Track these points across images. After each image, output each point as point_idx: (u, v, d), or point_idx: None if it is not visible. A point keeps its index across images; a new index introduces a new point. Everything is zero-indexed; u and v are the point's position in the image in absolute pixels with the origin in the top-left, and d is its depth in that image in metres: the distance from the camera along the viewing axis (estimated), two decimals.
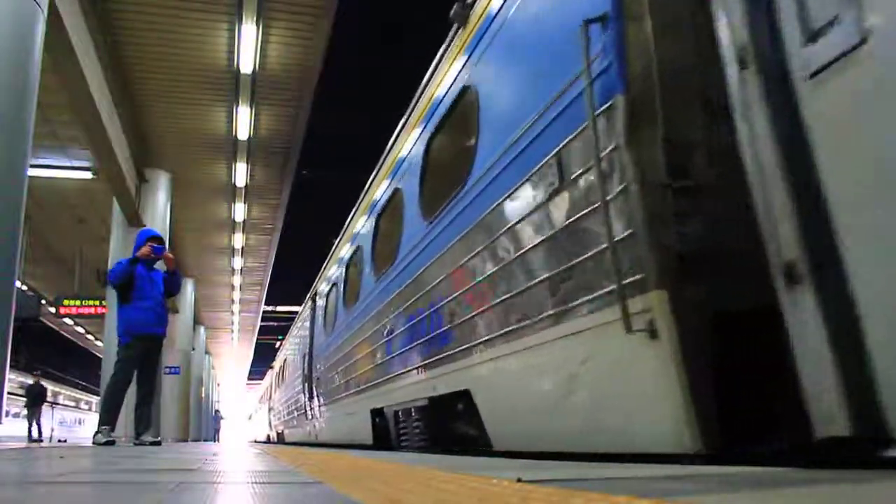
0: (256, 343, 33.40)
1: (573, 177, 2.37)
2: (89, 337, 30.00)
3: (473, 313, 3.22)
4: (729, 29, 1.68)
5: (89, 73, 8.12)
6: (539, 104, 2.65)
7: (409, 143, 4.77)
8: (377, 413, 5.40)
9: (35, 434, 16.21)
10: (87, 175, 12.48)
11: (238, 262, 18.32)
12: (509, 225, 2.86)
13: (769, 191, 1.56)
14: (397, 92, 7.12)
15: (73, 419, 40.78)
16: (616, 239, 2.05)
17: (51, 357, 39.03)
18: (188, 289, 19.11)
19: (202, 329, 25.53)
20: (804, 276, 1.47)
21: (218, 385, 44.30)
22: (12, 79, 5.47)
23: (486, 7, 3.35)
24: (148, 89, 10.19)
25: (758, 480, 1.18)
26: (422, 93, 4.53)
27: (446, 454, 3.74)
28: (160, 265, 6.15)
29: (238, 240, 16.58)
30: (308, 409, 9.67)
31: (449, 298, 3.55)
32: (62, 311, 15.64)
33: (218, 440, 30.18)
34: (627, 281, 2.00)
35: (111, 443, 5.41)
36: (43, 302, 18.47)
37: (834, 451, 1.48)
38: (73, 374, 44.54)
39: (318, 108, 11.56)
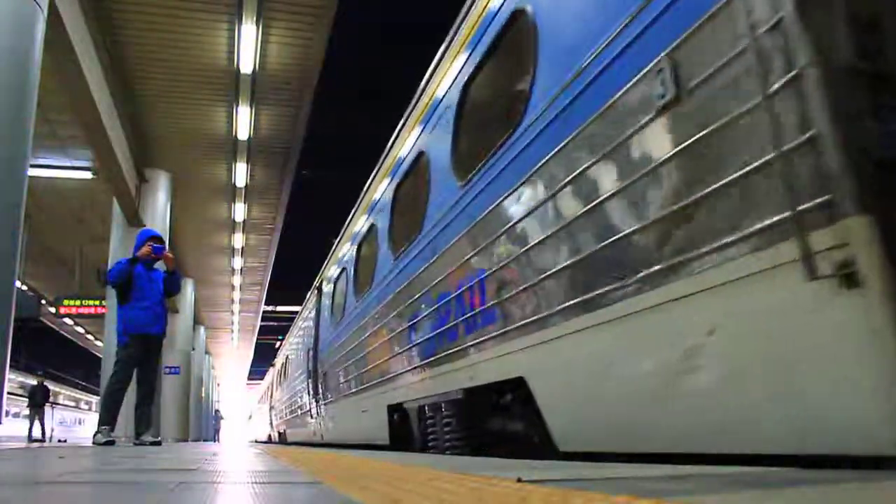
0: (256, 343, 33.43)
1: (701, 80, 1.77)
2: (89, 337, 30.02)
3: (534, 280, 2.61)
4: None
5: (89, 73, 8.12)
6: None
7: (442, 85, 4.02)
8: (395, 410, 4.85)
9: (38, 434, 16.23)
10: (87, 175, 12.49)
11: (238, 262, 18.32)
12: (592, 158, 2.23)
13: None
14: (397, 92, 7.10)
15: (73, 419, 40.80)
16: (788, 148, 1.49)
17: (51, 357, 39.07)
18: (188, 289, 19.12)
19: (202, 329, 25.55)
20: None
21: (218, 385, 44.32)
22: (12, 79, 5.48)
23: None
24: (148, 89, 10.20)
25: (758, 480, 1.18)
26: (462, 20, 3.81)
27: (446, 454, 3.69)
28: (160, 265, 6.15)
29: (238, 240, 16.59)
30: (313, 407, 9.05)
31: (497, 265, 2.95)
32: (62, 311, 15.67)
33: (218, 440, 30.19)
34: (807, 206, 1.45)
35: (111, 443, 5.41)
36: (43, 302, 18.48)
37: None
38: (72, 374, 44.58)
39: (318, 108, 11.59)
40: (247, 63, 9.41)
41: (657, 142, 1.93)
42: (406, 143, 4.75)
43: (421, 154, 4.35)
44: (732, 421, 1.69)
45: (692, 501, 0.87)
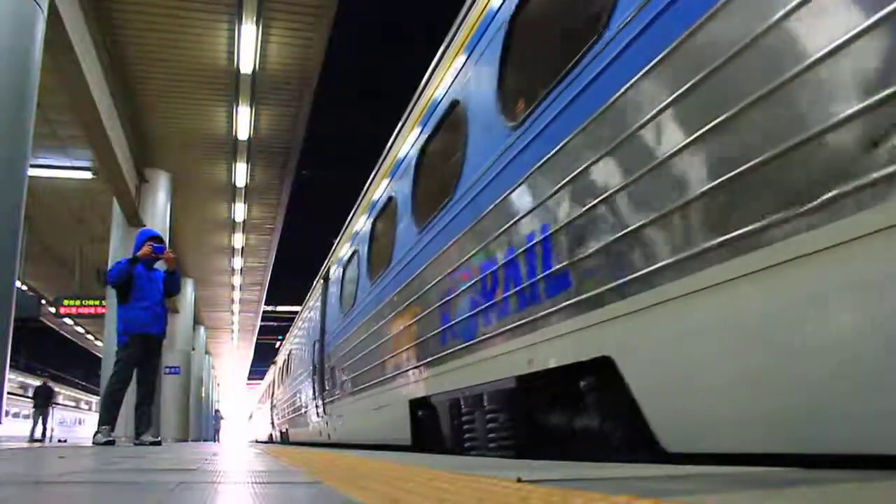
0: (256, 343, 33.46)
1: None
2: (89, 337, 30.03)
3: (634, 222, 2.02)
4: None
5: (89, 73, 8.12)
6: None
7: None
8: (419, 405, 4.24)
9: (38, 434, 16.27)
10: (87, 175, 12.50)
11: (238, 262, 18.33)
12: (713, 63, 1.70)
13: None
14: (397, 92, 7.08)
15: (73, 419, 40.80)
16: None
17: (51, 357, 39.10)
18: (188, 289, 19.12)
19: (202, 329, 25.55)
20: None
21: (218, 385, 44.33)
22: (12, 79, 5.48)
23: None
24: (148, 89, 10.20)
25: (758, 480, 1.18)
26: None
27: (446, 454, 3.65)
28: (160, 265, 6.15)
29: (238, 240, 16.59)
30: (318, 404, 8.42)
31: (576, 210, 2.34)
32: (62, 311, 15.67)
33: (218, 440, 30.19)
34: None
35: (111, 443, 5.41)
36: (43, 302, 18.49)
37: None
38: (72, 374, 44.60)
39: (318, 108, 11.59)
40: (247, 63, 9.41)
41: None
42: (442, 84, 4.02)
43: (455, 105, 3.72)
44: None
45: (692, 501, 0.87)
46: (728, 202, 1.65)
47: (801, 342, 1.47)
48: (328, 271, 8.23)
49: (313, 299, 9.61)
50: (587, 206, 2.27)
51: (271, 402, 17.88)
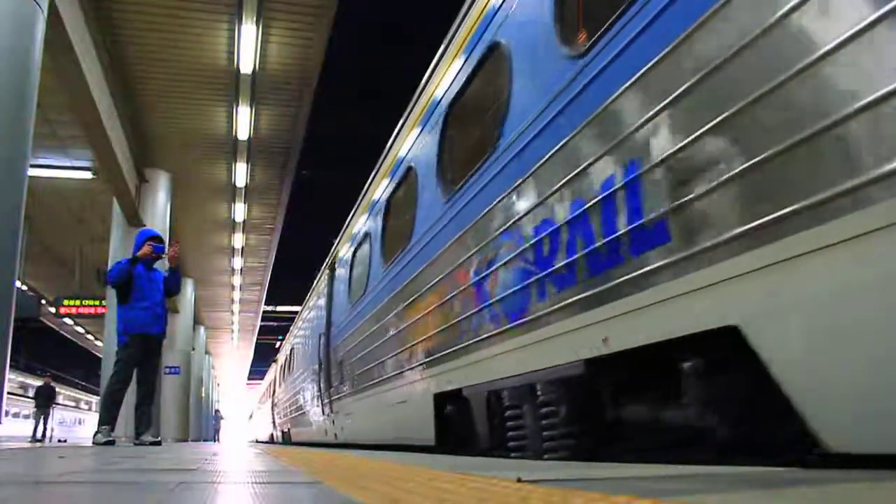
0: (256, 343, 33.45)
1: None
2: (89, 337, 30.03)
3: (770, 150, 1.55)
4: None
5: (89, 73, 8.12)
6: None
7: None
8: (446, 399, 3.76)
9: (39, 434, 16.28)
10: (87, 175, 12.49)
11: (238, 262, 18.32)
12: None
13: None
14: (397, 92, 7.06)
15: (73, 419, 40.81)
16: None
17: (51, 357, 39.11)
18: (188, 289, 19.12)
19: (202, 329, 25.55)
20: None
21: (218, 385, 44.33)
22: (12, 79, 5.48)
23: None
24: (148, 89, 10.19)
25: (758, 480, 1.18)
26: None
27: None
28: (160, 264, 6.15)
29: (238, 240, 16.59)
30: (324, 402, 7.91)
31: (669, 149, 1.89)
32: (62, 311, 15.68)
33: (218, 440, 30.19)
34: None
35: (111, 443, 5.41)
36: (43, 302, 18.49)
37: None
38: (72, 374, 44.61)
39: (318, 108, 11.59)
40: (247, 63, 9.41)
41: None
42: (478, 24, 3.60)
43: (496, 48, 3.26)
44: None
45: (692, 501, 0.87)
46: None
47: None
48: (334, 261, 7.74)
49: (318, 292, 9.15)
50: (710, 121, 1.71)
51: (272, 401, 17.52)
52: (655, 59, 1.98)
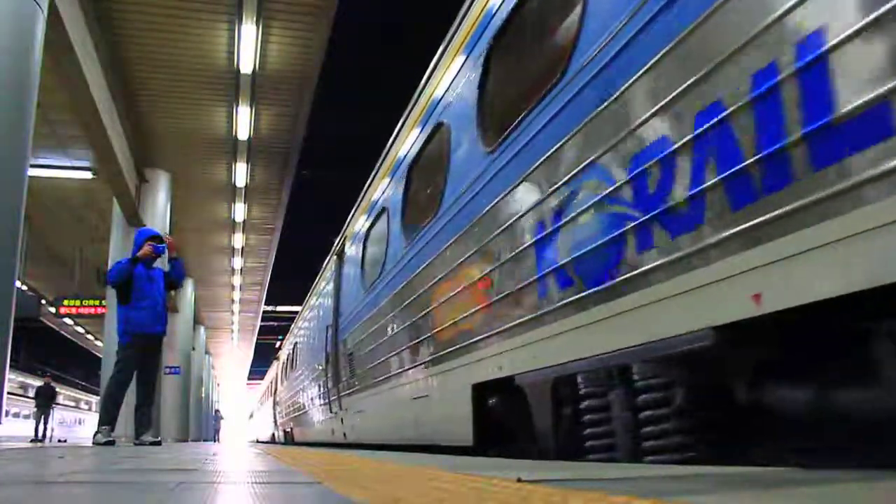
0: (256, 343, 33.46)
1: None
2: (89, 337, 30.04)
3: None
4: None
5: (89, 73, 8.12)
6: None
7: None
8: (489, 390, 3.18)
9: (40, 434, 16.29)
10: (87, 175, 12.50)
11: (238, 262, 18.33)
12: None
13: None
14: (397, 92, 7.03)
15: (73, 419, 40.83)
16: None
17: (51, 357, 39.13)
18: (188, 289, 19.13)
19: (202, 329, 25.56)
20: None
21: (218, 385, 44.34)
22: (12, 79, 5.48)
23: None
24: (148, 89, 10.20)
25: (758, 480, 1.18)
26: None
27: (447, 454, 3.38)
28: (159, 263, 6.15)
29: (238, 240, 16.60)
30: (331, 399, 7.31)
31: None
32: (62, 311, 15.69)
33: (218, 440, 30.20)
34: None
35: (111, 443, 5.42)
36: (43, 302, 18.49)
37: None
38: (72, 374, 44.63)
39: (318, 108, 11.58)
40: (247, 63, 9.41)
41: None
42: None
43: None
44: None
45: (692, 501, 0.87)
46: None
47: None
48: (343, 246, 7.14)
49: (324, 281, 8.58)
50: None
51: (274, 400, 16.97)
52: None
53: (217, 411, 39.38)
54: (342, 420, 6.84)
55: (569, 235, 2.42)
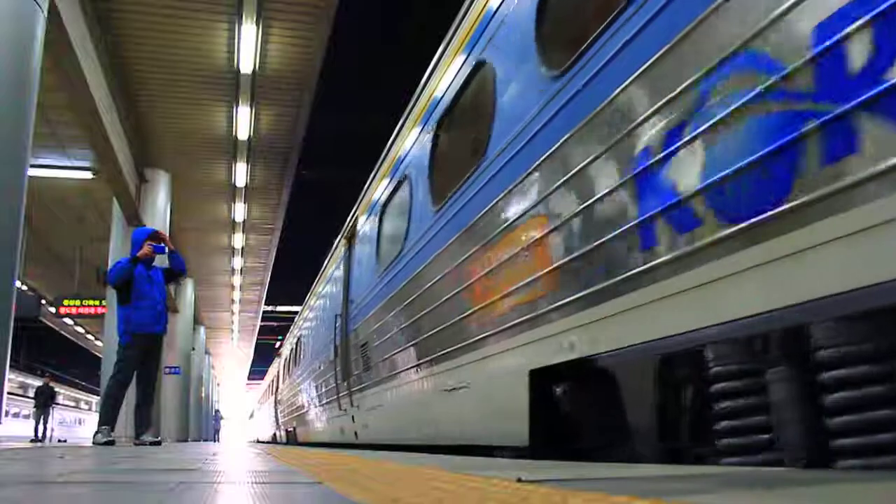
0: (256, 343, 33.46)
1: None
2: (89, 337, 30.04)
3: None
4: None
5: (89, 73, 8.12)
6: None
7: None
8: (551, 377, 2.57)
9: (40, 434, 16.31)
10: (87, 175, 12.50)
11: (238, 262, 18.33)
12: None
13: None
14: (397, 92, 7.00)
15: (73, 419, 40.84)
16: None
17: (51, 357, 39.14)
18: (188, 289, 19.14)
19: (202, 329, 25.56)
20: None
21: (218, 385, 44.35)
22: (12, 79, 5.48)
23: None
24: (148, 89, 10.20)
25: (758, 480, 1.18)
26: None
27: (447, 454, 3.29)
28: (159, 260, 6.15)
29: (238, 240, 16.60)
30: (340, 395, 6.74)
31: None
32: (62, 311, 15.68)
33: (218, 440, 30.20)
34: None
35: (111, 443, 5.41)
36: (43, 302, 18.49)
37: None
38: (72, 374, 44.64)
39: (318, 108, 11.58)
40: (247, 63, 9.41)
41: None
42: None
43: None
44: None
45: (692, 501, 0.87)
46: None
47: None
48: (353, 229, 6.59)
49: (331, 269, 8.07)
50: None
51: (275, 398, 16.35)
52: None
53: (217, 411, 39.40)
54: (353, 418, 6.25)
55: (706, 146, 1.73)
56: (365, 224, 6.10)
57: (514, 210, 2.87)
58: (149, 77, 9.88)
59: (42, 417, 16.70)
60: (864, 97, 1.33)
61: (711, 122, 1.72)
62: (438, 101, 4.06)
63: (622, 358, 2.15)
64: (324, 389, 8.03)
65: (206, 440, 27.29)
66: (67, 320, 24.17)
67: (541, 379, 2.60)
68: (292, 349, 12.64)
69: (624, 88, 2.11)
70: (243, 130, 11.24)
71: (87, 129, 9.31)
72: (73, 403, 43.95)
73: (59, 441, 17.66)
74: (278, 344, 23.88)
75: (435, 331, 3.78)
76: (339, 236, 7.43)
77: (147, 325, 5.75)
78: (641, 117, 2.01)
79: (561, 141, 2.47)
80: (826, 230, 1.40)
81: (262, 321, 28.72)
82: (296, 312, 15.43)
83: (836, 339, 1.54)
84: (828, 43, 1.40)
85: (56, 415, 22.78)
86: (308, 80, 10.12)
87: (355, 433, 6.22)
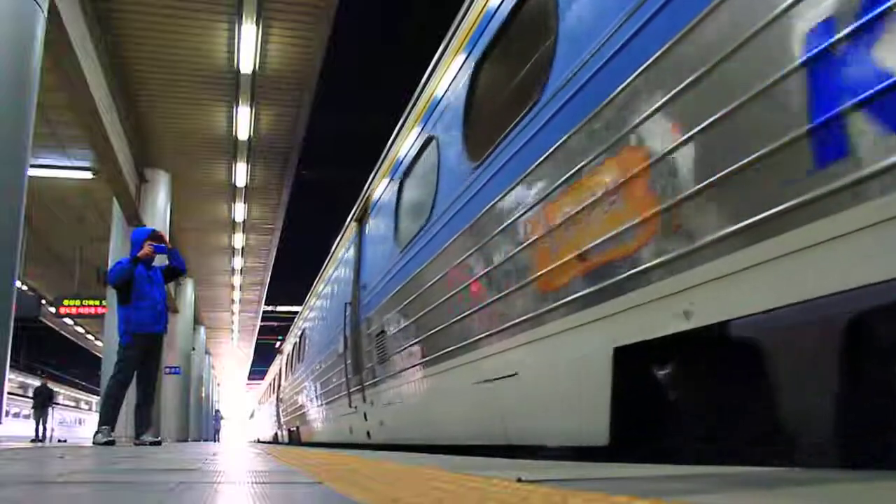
0: (256, 343, 33.47)
1: None
2: (89, 337, 30.05)
3: None
4: None
5: (89, 73, 8.12)
6: None
7: None
8: (645, 357, 2.06)
9: (40, 434, 16.33)
10: (87, 175, 12.50)
11: (238, 262, 18.33)
12: None
13: None
14: (397, 92, 6.99)
15: (73, 419, 40.84)
16: None
17: (51, 357, 39.14)
18: (188, 289, 19.15)
19: (202, 329, 25.58)
20: None
21: (218, 385, 44.36)
22: (12, 79, 5.48)
23: None
24: (148, 89, 10.20)
25: (758, 480, 1.18)
26: None
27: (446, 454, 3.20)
28: (157, 260, 6.15)
29: (238, 240, 16.60)
30: (351, 390, 6.24)
31: None
32: (62, 311, 15.68)
33: (218, 440, 30.20)
34: None
35: (111, 443, 5.42)
36: (43, 302, 18.50)
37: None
38: (72, 374, 44.65)
39: (318, 108, 11.58)
40: (247, 63, 9.41)
41: None
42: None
43: None
44: None
45: (692, 501, 0.87)
46: None
47: None
48: (366, 207, 6.09)
49: (338, 258, 7.59)
50: None
51: (277, 397, 15.74)
52: None
53: (217, 411, 39.41)
54: (365, 416, 5.72)
55: None
56: (380, 201, 5.54)
57: (595, 145, 2.24)
58: (149, 77, 9.88)
59: (41, 418, 16.72)
60: None
61: None
62: (478, 39, 3.44)
63: (780, 321, 1.55)
64: (331, 385, 7.58)
65: (206, 440, 27.29)
66: (67, 320, 24.18)
67: (629, 359, 2.06)
68: (295, 344, 12.11)
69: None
70: (243, 130, 11.24)
71: (87, 129, 9.31)
72: (73, 403, 43.96)
73: (60, 441, 17.66)
74: (278, 343, 23.89)
75: (470, 311, 3.25)
76: (349, 220, 6.89)
77: (147, 324, 5.76)
78: None
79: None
80: None
81: (262, 321, 28.73)
82: (296, 312, 15.32)
83: None
84: None
85: (56, 415, 22.78)
86: (308, 80, 10.12)
87: (367, 432, 5.74)
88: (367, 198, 6.08)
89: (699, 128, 1.76)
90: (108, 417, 5.61)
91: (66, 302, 15.39)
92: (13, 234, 5.31)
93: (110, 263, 10.14)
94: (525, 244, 2.71)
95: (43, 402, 16.91)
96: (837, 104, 1.40)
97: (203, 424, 32.18)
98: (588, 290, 2.25)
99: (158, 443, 6.08)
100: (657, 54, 1.95)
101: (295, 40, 9.21)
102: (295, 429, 11.98)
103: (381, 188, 5.57)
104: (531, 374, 2.69)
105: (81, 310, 15.31)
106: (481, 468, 1.72)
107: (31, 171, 6.03)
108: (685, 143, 1.82)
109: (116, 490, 1.38)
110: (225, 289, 21.48)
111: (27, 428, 19.09)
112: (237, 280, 20.22)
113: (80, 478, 1.70)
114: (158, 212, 12.45)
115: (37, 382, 20.17)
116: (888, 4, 1.29)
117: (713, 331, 1.72)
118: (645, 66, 2.01)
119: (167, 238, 6.26)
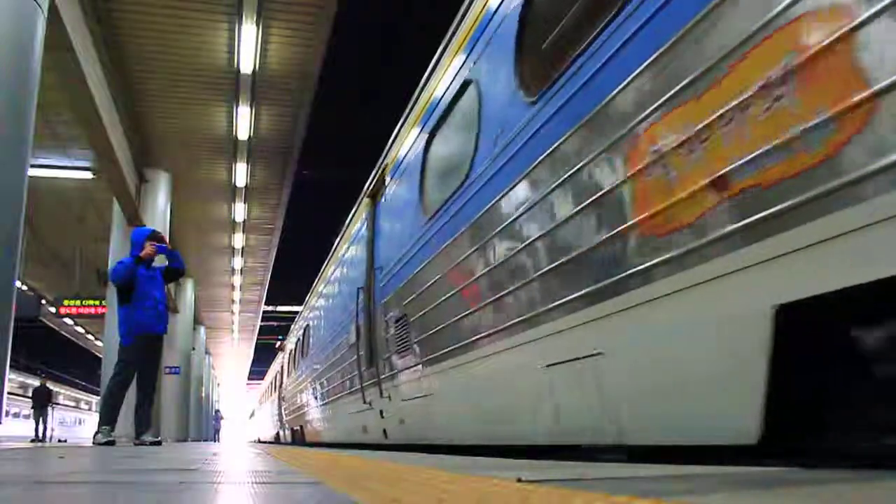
0: (256, 343, 33.47)
1: None
2: (89, 337, 30.05)
3: None
4: None
5: (89, 73, 8.12)
6: None
7: None
8: (828, 320, 1.43)
9: (39, 434, 16.34)
10: (87, 175, 12.51)
11: (238, 262, 18.34)
12: None
13: None
14: (397, 92, 6.97)
15: (73, 419, 40.85)
16: None
17: (51, 357, 39.14)
18: (188, 289, 19.15)
19: (202, 329, 25.58)
20: None
21: (218, 385, 44.36)
22: (12, 78, 5.48)
23: None
24: (148, 89, 10.20)
25: (757, 480, 1.18)
26: None
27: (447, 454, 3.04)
28: (157, 260, 6.15)
29: (238, 240, 16.61)
30: (364, 384, 5.63)
31: None
32: (62, 311, 15.70)
33: (218, 440, 30.20)
34: None
35: (111, 443, 5.42)
36: (43, 302, 18.50)
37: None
38: (73, 375, 44.66)
39: (318, 108, 11.57)
40: (247, 63, 9.42)
41: None
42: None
43: None
44: None
45: (692, 501, 0.87)
46: None
47: None
48: (382, 179, 5.41)
49: (351, 231, 6.82)
50: None
51: (279, 395, 14.95)
52: None
53: (217, 411, 39.40)
54: (382, 412, 5.11)
55: None
56: (401, 164, 4.84)
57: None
58: (149, 77, 9.88)
59: (41, 418, 16.72)
60: None
61: None
62: None
63: None
64: (339, 381, 6.91)
65: (206, 440, 27.29)
66: (67, 320, 24.19)
67: (801, 322, 1.46)
68: (299, 340, 11.36)
69: None
70: (243, 130, 11.24)
71: (87, 129, 9.31)
72: (73, 403, 43.97)
73: (60, 441, 17.66)
74: (278, 344, 23.86)
75: (531, 278, 2.63)
76: (363, 194, 6.24)
77: (149, 325, 5.76)
78: None
79: None
80: None
81: (262, 321, 28.73)
82: (296, 312, 15.24)
83: None
84: None
85: (56, 415, 22.78)
86: (308, 80, 10.12)
87: (384, 431, 5.13)
88: (383, 168, 5.36)
89: None
90: (108, 417, 5.62)
91: (66, 302, 15.40)
92: (13, 234, 5.31)
93: (110, 264, 10.15)
94: (621, 181, 2.03)
95: (42, 403, 16.91)
96: None
97: (203, 424, 32.18)
98: (717, 234, 1.65)
99: (158, 443, 6.08)
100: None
101: (295, 40, 9.21)
102: (298, 428, 11.39)
103: (404, 148, 4.80)
104: (625, 351, 2.06)
105: (81, 310, 15.33)
106: (481, 468, 1.72)
107: (32, 171, 6.03)
108: None
109: (116, 490, 1.38)
110: (225, 289, 21.49)
111: (27, 428, 19.09)
112: (237, 280, 20.23)
113: (80, 478, 1.70)
114: (158, 212, 12.45)
115: (36, 382, 20.16)
116: None
117: None
118: None
119: (167, 238, 6.26)
